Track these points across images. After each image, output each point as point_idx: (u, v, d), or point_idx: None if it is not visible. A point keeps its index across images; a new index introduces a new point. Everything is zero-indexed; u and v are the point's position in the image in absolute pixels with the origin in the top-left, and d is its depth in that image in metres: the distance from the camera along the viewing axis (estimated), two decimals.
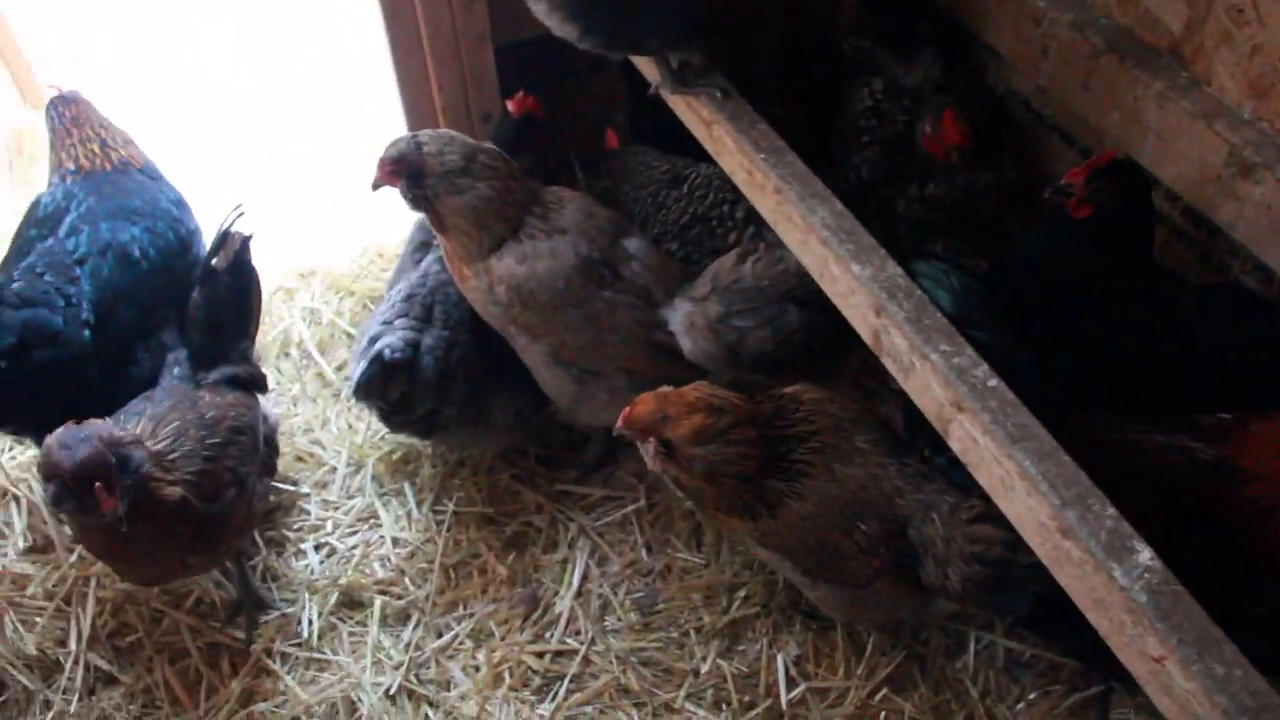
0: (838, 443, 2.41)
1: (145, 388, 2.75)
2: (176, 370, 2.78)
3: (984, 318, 2.21)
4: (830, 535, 2.38)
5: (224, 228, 2.79)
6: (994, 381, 1.93)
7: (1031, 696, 2.61)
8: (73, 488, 2.22)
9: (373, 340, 2.80)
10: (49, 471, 2.24)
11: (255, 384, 2.86)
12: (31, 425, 2.78)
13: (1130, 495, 2.05)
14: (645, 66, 2.81)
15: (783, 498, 2.39)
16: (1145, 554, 1.71)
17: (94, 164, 3.10)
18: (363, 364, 2.75)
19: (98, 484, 2.23)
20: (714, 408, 2.34)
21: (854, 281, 2.14)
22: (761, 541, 2.48)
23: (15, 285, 2.70)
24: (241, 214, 2.83)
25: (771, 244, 2.66)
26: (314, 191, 4.41)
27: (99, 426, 2.32)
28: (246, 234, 2.82)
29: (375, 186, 2.70)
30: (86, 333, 2.75)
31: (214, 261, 2.77)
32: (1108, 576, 1.70)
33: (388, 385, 2.77)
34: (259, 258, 2.88)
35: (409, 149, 2.63)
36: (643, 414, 2.36)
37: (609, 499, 3.08)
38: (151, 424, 2.51)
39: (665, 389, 2.40)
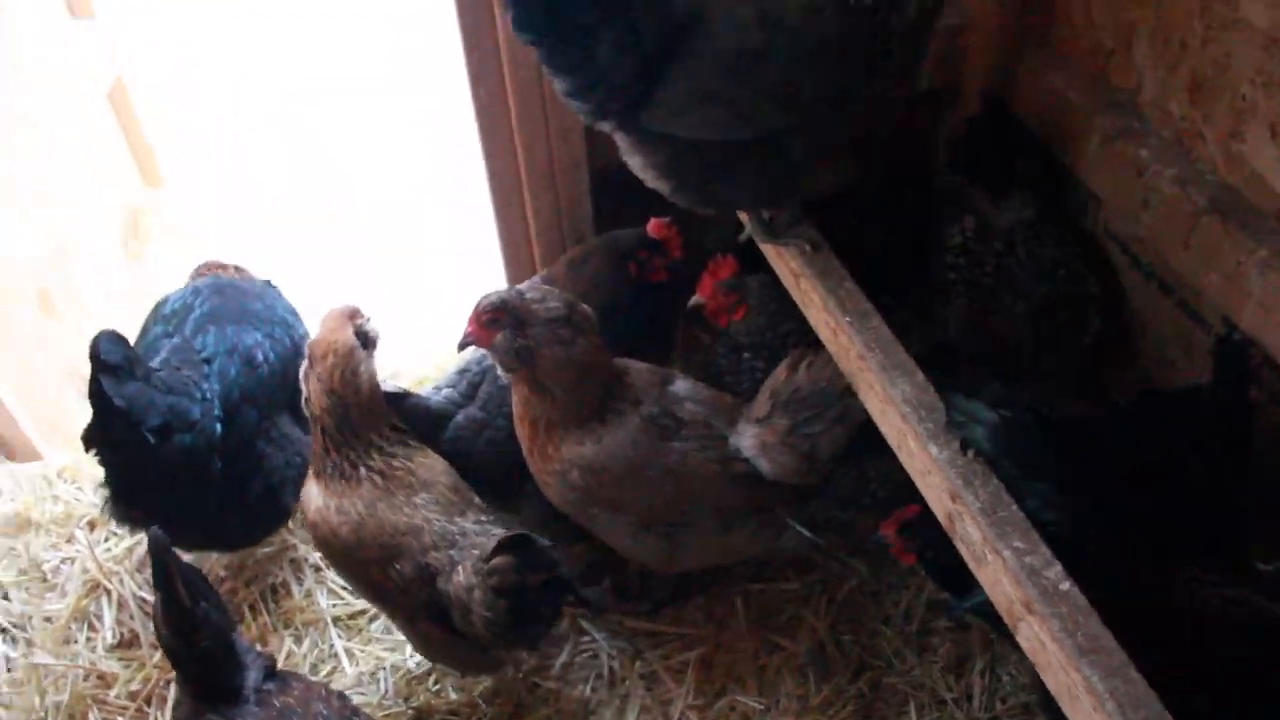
0: (398, 490, 2.70)
1: (274, 476, 2.94)
2: None
3: (1023, 457, 2.13)
4: (370, 570, 2.66)
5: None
6: (1066, 585, 1.90)
7: None
8: None
9: None
10: None
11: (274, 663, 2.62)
12: (157, 511, 2.88)
13: (1195, 656, 2.04)
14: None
15: (333, 482, 2.70)
16: None
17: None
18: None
19: None
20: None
21: (931, 462, 2.14)
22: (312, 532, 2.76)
23: (160, 374, 2.86)
24: None
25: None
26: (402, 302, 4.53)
27: None
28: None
29: (464, 345, 2.62)
30: (218, 425, 2.90)
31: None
32: None
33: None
34: None
35: (510, 295, 2.59)
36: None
37: (677, 637, 3.06)
38: None
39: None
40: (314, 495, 2.75)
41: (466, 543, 2.62)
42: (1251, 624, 2.05)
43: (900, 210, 3.38)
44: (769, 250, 2.73)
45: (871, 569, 3.14)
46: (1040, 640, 1.90)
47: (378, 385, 2.81)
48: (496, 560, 2.46)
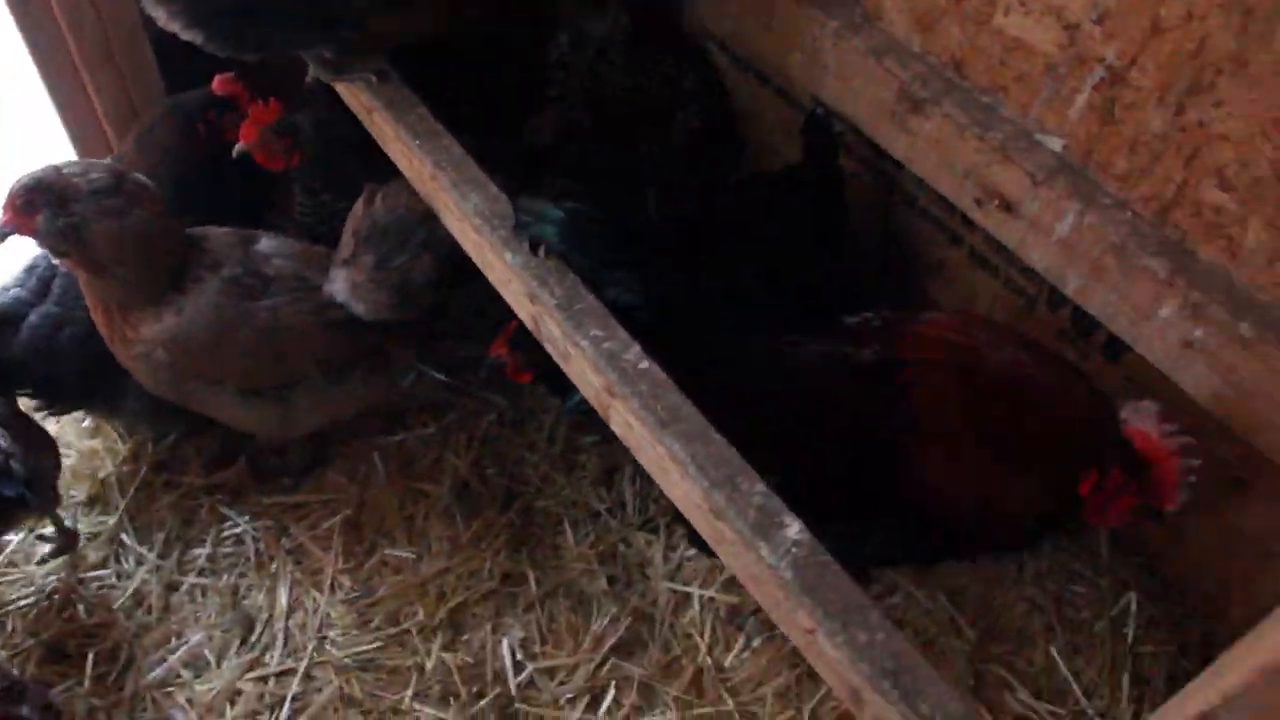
0: None
1: None
2: None
3: (596, 247, 2.12)
4: None
5: None
6: (644, 364, 1.90)
7: (756, 643, 2.64)
8: None
9: None
10: None
11: None
12: None
13: (794, 412, 2.09)
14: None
15: None
16: (793, 529, 1.72)
17: None
18: None
19: None
20: None
21: (508, 270, 2.08)
22: None
23: None
24: None
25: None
26: None
27: None
28: None
29: (2, 236, 2.35)
30: None
31: None
32: (757, 555, 1.71)
33: None
34: None
35: (45, 172, 2.35)
36: None
37: (321, 504, 2.95)
38: None
39: None
40: None
41: None
42: (839, 371, 2.11)
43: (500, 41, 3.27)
44: (342, 90, 2.58)
45: (510, 399, 3.12)
46: (627, 421, 1.90)
47: None
48: None
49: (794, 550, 1.69)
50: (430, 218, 2.38)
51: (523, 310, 2.12)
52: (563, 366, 2.06)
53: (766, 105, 3.08)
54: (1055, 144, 2.28)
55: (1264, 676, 1.08)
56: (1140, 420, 2.00)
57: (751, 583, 1.77)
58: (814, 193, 2.59)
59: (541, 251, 2.04)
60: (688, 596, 2.73)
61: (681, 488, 1.82)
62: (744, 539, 1.72)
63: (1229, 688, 1.11)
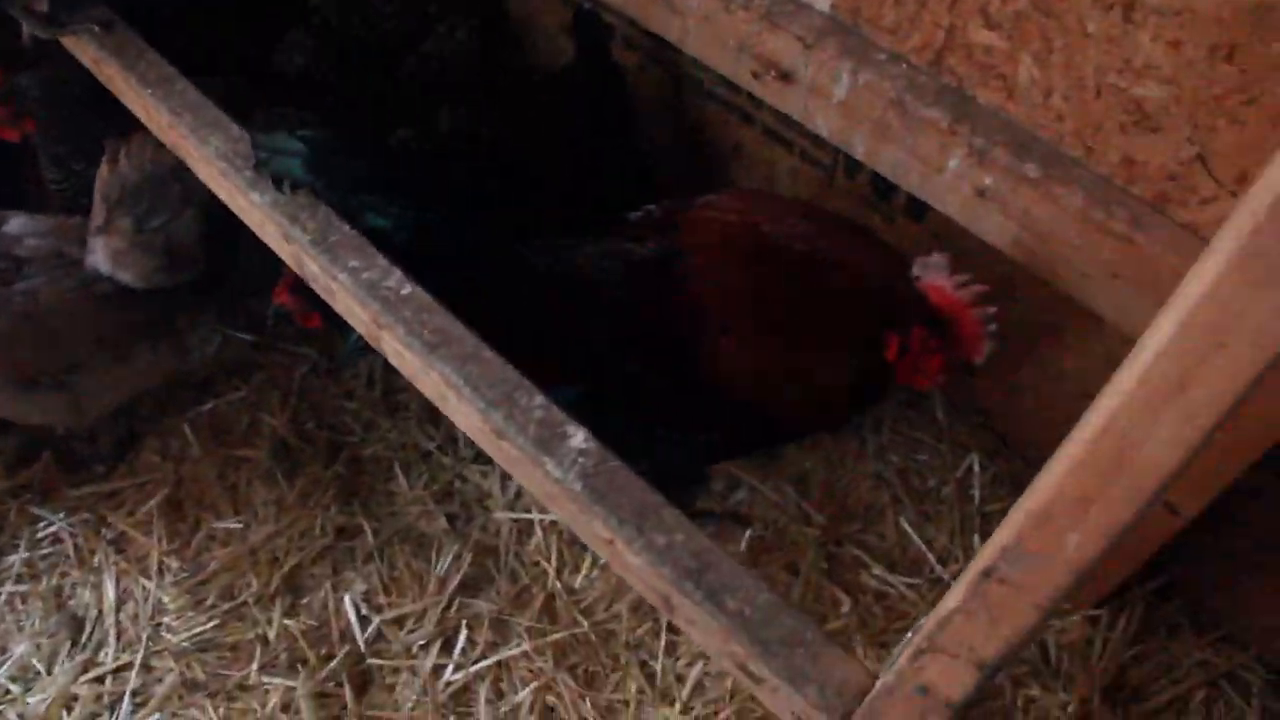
0: None
1: None
2: None
3: (343, 174, 1.97)
4: None
5: None
6: (407, 289, 1.80)
7: (604, 561, 2.57)
8: None
9: None
10: None
11: None
12: None
13: (577, 318, 2.02)
14: None
15: None
16: (577, 438, 1.65)
17: None
18: None
19: None
20: None
21: (258, 212, 1.95)
22: None
23: None
24: None
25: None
26: None
27: None
28: None
29: None
30: None
31: None
32: (544, 471, 1.63)
33: None
34: None
35: None
36: None
37: (136, 488, 2.79)
38: None
39: None
40: None
41: None
42: (618, 270, 2.03)
43: None
44: (68, 43, 2.39)
45: (321, 349, 2.98)
46: (398, 350, 1.80)
47: None
48: None
49: (580, 460, 1.62)
50: (184, 168, 2.23)
51: (283, 252, 1.99)
52: (331, 304, 1.94)
53: (543, 7, 2.97)
54: (823, 4, 2.21)
55: (1032, 521, 1.03)
56: (932, 275, 1.96)
57: (548, 500, 1.70)
58: (590, 91, 2.49)
59: (286, 187, 1.91)
60: (530, 524, 2.66)
61: (461, 412, 1.73)
62: (529, 455, 1.64)
63: (1004, 539, 1.07)
